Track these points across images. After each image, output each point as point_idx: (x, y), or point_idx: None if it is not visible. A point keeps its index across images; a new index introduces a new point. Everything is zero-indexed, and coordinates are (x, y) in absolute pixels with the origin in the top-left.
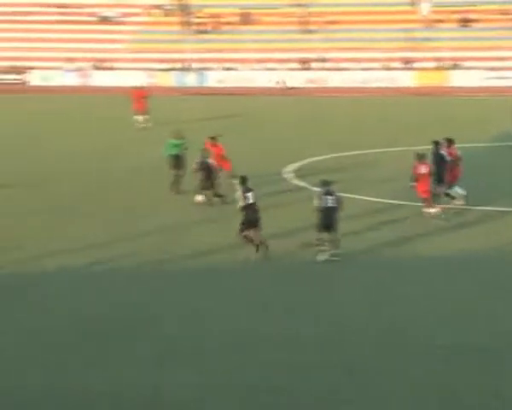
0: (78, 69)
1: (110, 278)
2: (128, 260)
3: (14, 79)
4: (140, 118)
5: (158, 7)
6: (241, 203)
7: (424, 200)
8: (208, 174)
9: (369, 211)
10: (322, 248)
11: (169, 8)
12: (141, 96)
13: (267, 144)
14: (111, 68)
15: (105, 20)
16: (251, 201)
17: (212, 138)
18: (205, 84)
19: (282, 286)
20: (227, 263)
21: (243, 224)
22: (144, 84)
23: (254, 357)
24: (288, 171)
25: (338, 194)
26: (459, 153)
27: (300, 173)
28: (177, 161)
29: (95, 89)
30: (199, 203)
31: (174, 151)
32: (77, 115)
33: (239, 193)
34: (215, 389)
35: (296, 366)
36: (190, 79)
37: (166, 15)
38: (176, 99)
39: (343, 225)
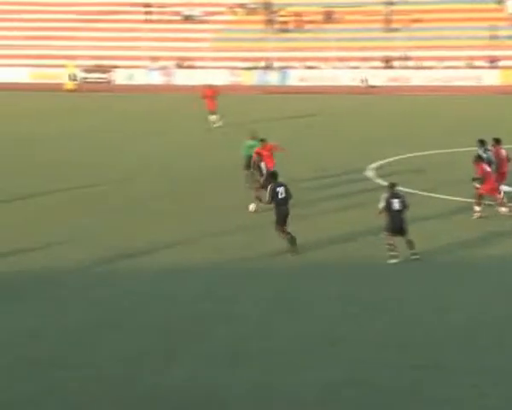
0: (162, 68)
1: (190, 276)
2: (210, 258)
3: (100, 78)
4: (213, 117)
5: (241, 5)
6: (269, 198)
7: (478, 196)
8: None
9: (448, 210)
10: (393, 253)
11: (252, 6)
12: (211, 94)
13: (348, 143)
14: (194, 67)
15: (189, 18)
16: (283, 195)
17: (262, 140)
18: (287, 83)
19: (360, 286)
20: (304, 263)
21: (278, 219)
22: (212, 83)
23: (334, 356)
24: (370, 170)
25: (404, 195)
26: (506, 153)
27: (382, 172)
28: (250, 162)
29: (178, 87)
30: (252, 212)
31: (248, 152)
32: (161, 114)
33: (270, 188)
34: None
35: (381, 364)
36: (272, 78)
37: (249, 14)
38: (258, 98)
39: (422, 225)
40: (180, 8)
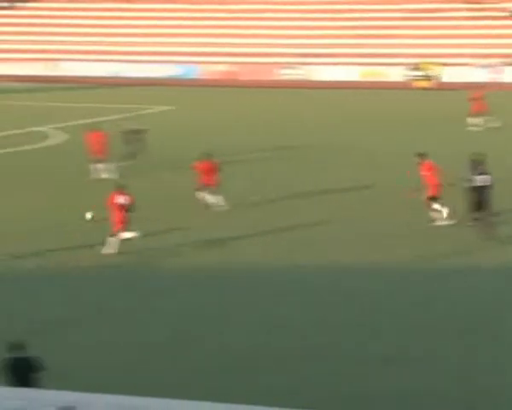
0: (489, 65)
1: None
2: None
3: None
4: (476, 120)
5: None
6: (466, 185)
7: None
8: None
9: None
10: None
11: None
12: (477, 96)
13: None
14: None
15: None
16: (478, 184)
17: (420, 155)
18: None
19: None
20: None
21: (469, 205)
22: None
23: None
24: None
25: None
26: None
27: None
28: None
29: (506, 85)
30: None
31: None
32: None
33: (468, 175)
34: None
35: None
36: None
37: None
38: None
39: None
40: (507, 4)
